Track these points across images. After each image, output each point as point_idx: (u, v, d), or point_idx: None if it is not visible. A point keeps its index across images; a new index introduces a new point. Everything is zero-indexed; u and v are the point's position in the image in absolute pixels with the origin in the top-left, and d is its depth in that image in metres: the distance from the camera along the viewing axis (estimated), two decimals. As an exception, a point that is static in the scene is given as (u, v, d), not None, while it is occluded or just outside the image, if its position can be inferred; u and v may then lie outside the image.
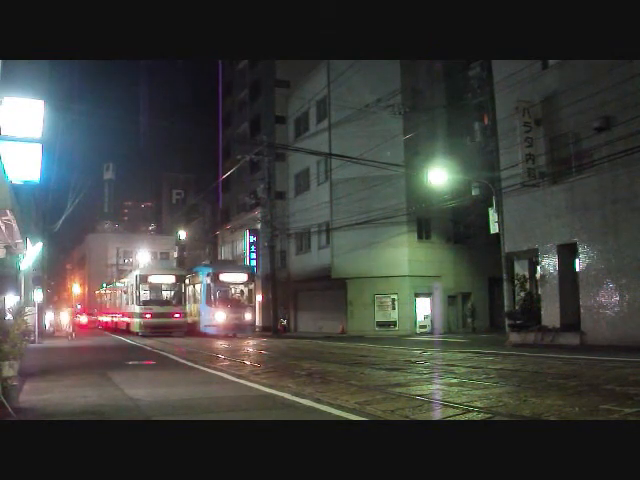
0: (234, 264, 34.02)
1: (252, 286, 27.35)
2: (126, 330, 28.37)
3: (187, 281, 28.71)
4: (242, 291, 27.10)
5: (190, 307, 28.33)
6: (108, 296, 37.60)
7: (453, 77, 26.91)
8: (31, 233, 15.23)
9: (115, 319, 32.75)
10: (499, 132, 19.23)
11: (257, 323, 32.35)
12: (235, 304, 26.15)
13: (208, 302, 25.67)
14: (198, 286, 27.05)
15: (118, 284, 33.45)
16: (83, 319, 43.85)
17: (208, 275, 26.00)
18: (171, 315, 26.75)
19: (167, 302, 27.40)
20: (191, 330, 27.13)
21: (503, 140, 18.87)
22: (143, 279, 27.47)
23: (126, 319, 28.88)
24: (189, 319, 27.68)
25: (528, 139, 17.24)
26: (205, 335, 25.26)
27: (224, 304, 25.75)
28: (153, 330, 25.80)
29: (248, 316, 26.14)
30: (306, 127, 33.36)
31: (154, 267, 31.91)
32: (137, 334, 26.14)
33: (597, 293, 15.50)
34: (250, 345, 19.94)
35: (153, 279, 27.78)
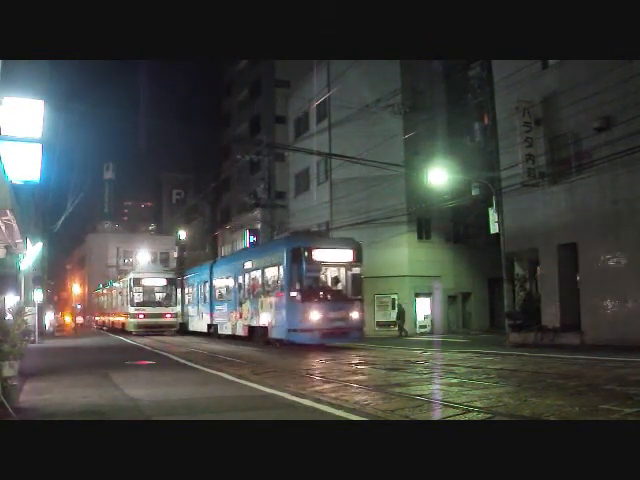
0: (330, 236, 23.91)
1: (359, 269, 17.89)
2: (121, 329, 29.83)
3: (248, 265, 20.40)
4: (346, 276, 17.81)
5: (247, 304, 20.22)
6: (104, 297, 39.19)
7: (453, 77, 26.91)
8: (31, 233, 15.24)
9: (111, 319, 34.33)
10: (499, 132, 19.23)
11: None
12: (337, 297, 17.24)
13: (294, 293, 16.66)
14: (272, 270, 18.33)
15: (115, 284, 34.80)
16: (67, 319, 44.54)
17: (295, 251, 17.00)
18: (163, 315, 28.49)
19: (159, 303, 28.90)
20: (251, 337, 19.93)
21: (503, 140, 18.87)
22: (136, 282, 29.07)
23: (121, 319, 30.43)
24: (244, 321, 20.11)
25: (528, 139, 17.25)
26: (280, 343, 17.24)
27: (321, 296, 17.13)
28: (146, 329, 27.48)
29: (355, 315, 17.21)
30: (306, 127, 33.34)
31: (147, 271, 32.94)
32: (131, 333, 27.55)
33: (597, 293, 15.50)
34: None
35: (146, 282, 29.39)
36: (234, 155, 39.36)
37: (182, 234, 51.56)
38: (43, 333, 23.59)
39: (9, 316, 7.66)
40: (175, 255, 55.59)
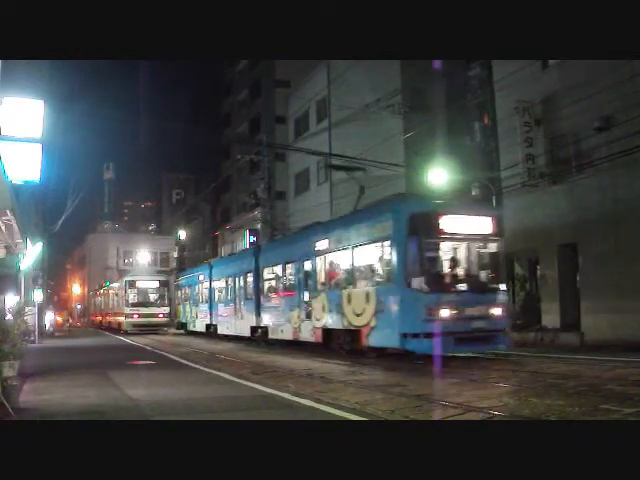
0: (456, 198, 16.98)
1: (500, 246, 12.34)
2: (117, 329, 31.45)
3: (322, 245, 14.62)
4: (483, 256, 12.39)
5: (322, 299, 14.40)
6: (102, 298, 41.04)
7: (453, 77, 26.90)
8: (31, 233, 15.24)
9: (108, 319, 36.23)
10: (499, 132, 19.23)
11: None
12: (474, 286, 11.68)
13: (415, 281, 11.10)
14: (369, 249, 12.73)
15: (112, 286, 36.55)
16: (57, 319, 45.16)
17: (415, 219, 11.38)
18: (156, 315, 30.15)
19: (152, 304, 30.53)
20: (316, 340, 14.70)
21: (503, 140, 18.87)
22: (131, 284, 30.94)
23: (117, 319, 32.24)
24: (315, 323, 14.49)
25: (528, 139, 17.25)
26: (378, 353, 12.48)
27: (454, 285, 11.61)
28: (141, 328, 29.14)
29: (498, 310, 11.59)
30: (306, 127, 33.34)
31: (141, 273, 35.13)
32: (127, 332, 29.14)
33: (597, 293, 15.49)
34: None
35: (140, 284, 31.20)
36: (234, 155, 39.38)
37: (182, 234, 51.65)
38: (43, 333, 23.58)
39: (9, 316, 7.66)
40: (175, 255, 55.63)
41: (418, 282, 10.99)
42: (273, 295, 17.74)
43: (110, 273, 51.90)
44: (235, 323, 20.77)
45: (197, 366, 11.37)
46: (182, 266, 54.44)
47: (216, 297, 23.53)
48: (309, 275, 15.14)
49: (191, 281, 27.65)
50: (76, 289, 67.21)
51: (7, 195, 7.77)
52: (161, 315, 30.31)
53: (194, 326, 26.33)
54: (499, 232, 12.33)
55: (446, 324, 10.73)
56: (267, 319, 17.87)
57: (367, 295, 12.26)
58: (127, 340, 23.22)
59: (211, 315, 23.70)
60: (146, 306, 30.14)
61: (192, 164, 72.32)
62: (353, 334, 12.87)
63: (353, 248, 13.01)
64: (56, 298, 65.70)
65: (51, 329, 27.84)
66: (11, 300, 15.37)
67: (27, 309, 13.15)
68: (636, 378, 8.43)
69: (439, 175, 19.61)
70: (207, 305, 24.29)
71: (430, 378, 9.31)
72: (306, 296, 15.24)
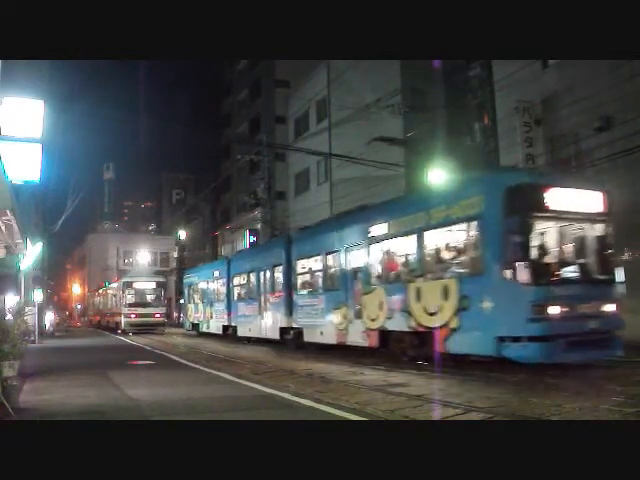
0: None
1: (609, 228, 10.12)
2: (115, 328, 32.39)
3: (380, 229, 12.25)
4: (591, 239, 9.98)
5: (379, 294, 12.19)
6: (100, 298, 41.94)
7: (453, 77, 26.90)
8: (31, 233, 15.24)
9: (106, 318, 37.38)
10: (499, 132, 19.22)
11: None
12: (585, 277, 9.58)
13: (520, 271, 8.75)
14: (448, 232, 10.65)
15: (110, 287, 37.47)
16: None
17: (515, 193, 9.07)
18: (152, 315, 31.14)
19: (149, 304, 31.48)
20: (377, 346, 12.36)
21: (503, 140, 18.86)
22: (128, 285, 31.96)
23: (115, 318, 33.29)
24: (370, 323, 12.26)
25: (528, 139, 17.25)
26: (454, 361, 10.28)
27: (563, 275, 9.51)
28: (138, 328, 30.07)
29: (612, 307, 9.44)
30: (306, 127, 33.34)
31: (138, 275, 36.04)
32: (125, 331, 30.09)
33: None
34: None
35: (137, 285, 32.20)
36: (234, 155, 39.38)
37: (182, 234, 51.69)
38: (43, 333, 23.59)
39: (9, 316, 7.66)
40: (175, 255, 55.66)
41: (520, 272, 8.64)
42: (310, 291, 15.28)
43: (110, 273, 51.96)
44: (260, 324, 18.22)
45: (197, 366, 11.37)
46: (182, 266, 54.58)
47: (235, 295, 21.26)
48: (360, 267, 12.75)
49: (204, 278, 25.88)
50: (76, 289, 67.19)
51: (7, 195, 7.77)
52: (158, 315, 31.33)
53: (208, 327, 24.53)
54: (611, 211, 10.05)
55: (557, 324, 8.49)
56: (302, 319, 15.37)
57: (445, 289, 10.03)
58: (127, 340, 23.21)
59: (229, 315, 21.39)
60: (143, 306, 31.10)
61: (192, 164, 72.44)
62: (423, 337, 10.72)
63: (422, 232, 10.79)
64: (56, 298, 65.73)
65: (51, 329, 27.87)
66: (11, 300, 15.38)
67: (27, 309, 13.15)
68: (637, 378, 8.39)
69: (439, 175, 19.59)
70: (224, 304, 22.01)
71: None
72: (356, 291, 12.82)
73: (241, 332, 20.18)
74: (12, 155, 9.41)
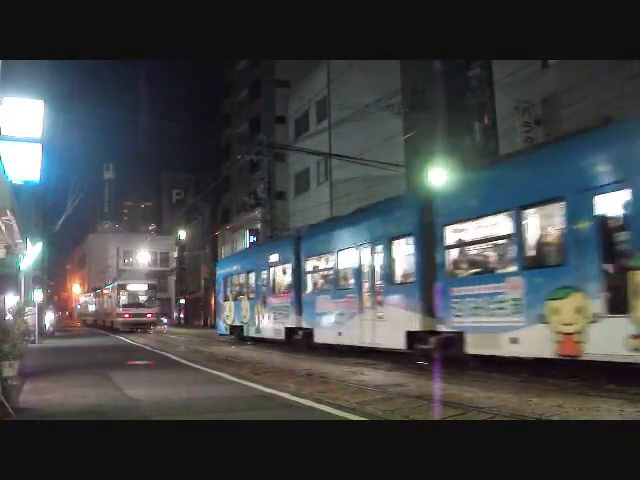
0: None
1: None
2: (110, 327, 34.55)
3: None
4: None
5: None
6: (97, 299, 44.31)
7: (453, 77, 26.91)
8: (31, 233, 15.24)
9: (102, 318, 39.59)
10: (499, 132, 19.24)
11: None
12: None
13: None
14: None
15: (105, 288, 39.56)
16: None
17: None
18: (145, 315, 33.38)
19: (142, 305, 33.79)
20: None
21: (503, 140, 18.88)
22: (123, 287, 34.37)
23: (111, 318, 35.61)
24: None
25: (528, 139, 17.26)
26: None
27: None
28: (132, 327, 31.90)
29: None
30: (306, 127, 33.36)
31: (131, 277, 39.59)
32: (119, 330, 31.61)
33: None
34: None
35: (130, 287, 34.65)
36: (234, 155, 39.38)
37: (182, 234, 51.69)
38: (43, 333, 23.59)
39: (9, 316, 7.66)
40: (175, 255, 55.66)
41: None
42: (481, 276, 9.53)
43: (110, 273, 52.04)
44: (362, 325, 12.33)
45: (197, 366, 11.37)
46: (182, 265, 54.63)
47: (309, 286, 15.42)
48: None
49: (252, 266, 19.68)
50: (76, 289, 67.20)
51: (7, 195, 7.77)
52: (149, 315, 33.76)
53: (258, 331, 18.49)
54: None
55: None
56: (462, 317, 9.59)
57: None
58: (127, 340, 23.21)
59: (300, 313, 15.68)
60: (136, 307, 33.34)
61: (192, 164, 72.26)
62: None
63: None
64: (56, 298, 65.76)
65: (51, 329, 27.87)
66: (11, 300, 15.37)
67: (27, 309, 13.15)
68: (636, 378, 8.35)
69: (439, 175, 19.59)
70: (291, 298, 16.21)
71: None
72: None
73: (320, 337, 14.58)
74: (12, 155, 9.42)
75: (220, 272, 23.36)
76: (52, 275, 47.89)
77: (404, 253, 11.44)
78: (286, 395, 7.19)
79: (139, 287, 35.28)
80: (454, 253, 10.16)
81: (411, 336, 10.73)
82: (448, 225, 10.09)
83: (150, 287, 35.57)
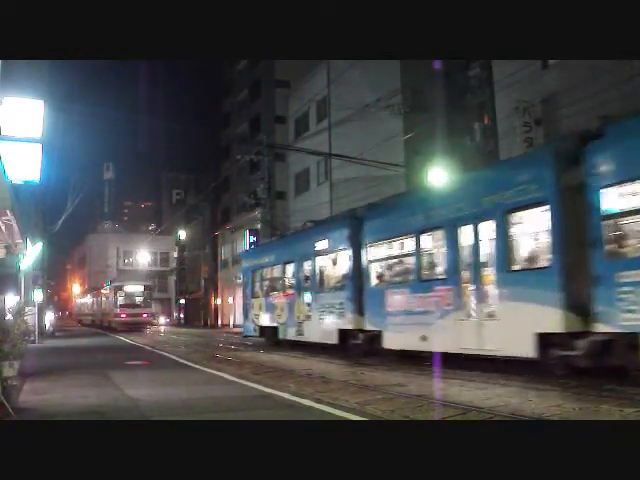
0: None
1: None
2: (108, 327, 35.50)
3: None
4: None
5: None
6: (96, 299, 45.21)
7: (453, 77, 26.91)
8: (31, 233, 15.24)
9: (100, 318, 40.74)
10: (499, 132, 19.23)
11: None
12: None
13: None
14: None
15: (103, 288, 40.56)
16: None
17: None
18: (140, 315, 34.70)
19: (138, 305, 35.09)
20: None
21: (503, 140, 18.87)
22: (119, 288, 35.55)
23: (109, 318, 36.74)
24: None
25: (528, 139, 17.27)
26: None
27: None
28: (128, 326, 32.61)
29: None
30: (306, 127, 33.35)
31: (129, 278, 40.42)
32: (116, 330, 32.40)
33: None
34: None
35: (127, 289, 35.83)
36: (234, 155, 39.37)
37: (182, 234, 51.69)
38: (43, 333, 23.58)
39: (9, 316, 7.66)
40: (175, 255, 55.66)
41: None
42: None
43: (110, 273, 52.08)
44: (460, 326, 9.72)
45: (197, 366, 11.36)
46: (182, 265, 54.68)
47: (374, 278, 12.54)
48: None
49: (290, 256, 16.59)
50: (76, 289, 67.19)
51: (7, 195, 7.78)
52: (145, 315, 35.18)
53: (299, 333, 15.56)
54: None
55: None
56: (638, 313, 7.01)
57: None
58: (127, 340, 23.21)
59: (360, 312, 12.76)
60: (132, 307, 34.67)
61: (192, 164, 72.13)
62: None
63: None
64: (56, 298, 65.76)
65: (51, 329, 27.85)
66: (11, 300, 15.37)
67: (27, 309, 13.15)
68: (636, 378, 8.34)
69: (439, 175, 19.61)
70: (346, 293, 13.23)
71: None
72: None
73: (392, 342, 11.78)
74: (12, 155, 9.41)
75: (246, 265, 20.22)
76: (52, 275, 47.92)
77: (531, 229, 8.78)
78: (286, 395, 7.16)
79: (135, 288, 36.33)
80: (619, 224, 7.44)
81: (543, 339, 8.17)
82: (610, 187, 7.36)
83: (146, 288, 36.69)
